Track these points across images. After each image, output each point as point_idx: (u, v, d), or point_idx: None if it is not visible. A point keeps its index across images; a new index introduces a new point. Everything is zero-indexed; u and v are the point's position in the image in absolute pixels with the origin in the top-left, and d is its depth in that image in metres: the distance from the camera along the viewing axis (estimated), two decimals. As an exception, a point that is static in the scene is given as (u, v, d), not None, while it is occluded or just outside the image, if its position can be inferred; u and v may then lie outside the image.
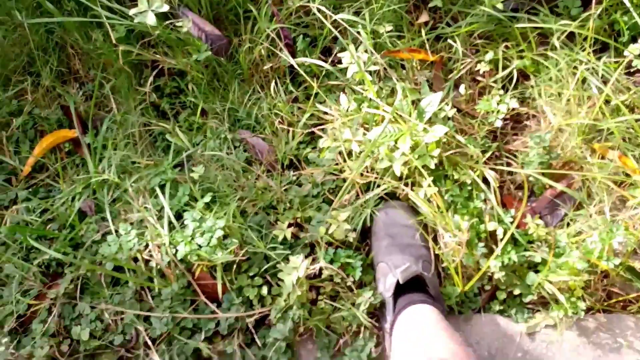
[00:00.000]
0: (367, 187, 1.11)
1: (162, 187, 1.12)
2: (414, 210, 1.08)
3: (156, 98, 1.26)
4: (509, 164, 1.13)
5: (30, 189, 1.19)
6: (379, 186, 1.08)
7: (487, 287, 1.04)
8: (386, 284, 0.99)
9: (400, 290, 0.98)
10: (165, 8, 1.14)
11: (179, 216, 1.09)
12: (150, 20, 1.13)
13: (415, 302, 0.94)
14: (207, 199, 1.05)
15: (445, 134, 1.07)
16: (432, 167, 1.02)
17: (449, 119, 1.16)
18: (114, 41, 1.17)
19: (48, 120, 1.27)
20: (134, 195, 1.11)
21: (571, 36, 1.20)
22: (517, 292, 1.00)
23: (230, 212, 1.04)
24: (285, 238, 1.05)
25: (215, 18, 1.32)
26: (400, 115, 1.05)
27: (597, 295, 1.01)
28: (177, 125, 1.23)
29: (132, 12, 1.15)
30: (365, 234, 1.10)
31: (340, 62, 1.19)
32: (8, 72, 1.29)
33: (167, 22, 1.21)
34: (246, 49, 1.25)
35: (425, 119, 1.03)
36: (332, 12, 1.25)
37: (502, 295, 1.01)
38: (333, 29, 1.16)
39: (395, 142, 1.04)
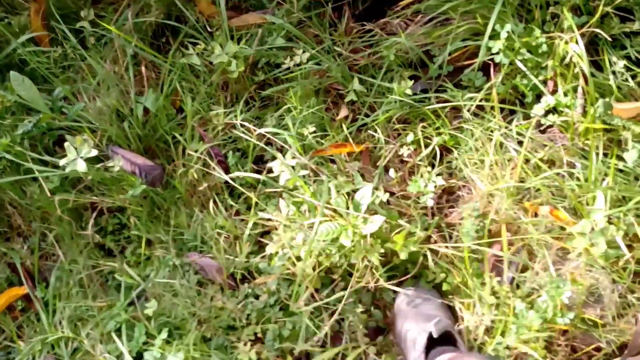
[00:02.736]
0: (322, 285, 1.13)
1: (118, 329, 1.10)
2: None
3: (100, 238, 1.26)
4: (451, 237, 1.18)
5: (-14, 357, 1.17)
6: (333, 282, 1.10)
7: None
8: (416, 346, 1.00)
9: (432, 348, 0.99)
10: (94, 153, 1.17)
11: (140, 356, 1.08)
12: (81, 167, 1.16)
13: (448, 352, 0.96)
14: (164, 335, 1.05)
15: (386, 220, 1.11)
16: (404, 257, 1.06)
17: (386, 203, 1.20)
18: (46, 192, 1.19)
19: (-4, 280, 1.26)
20: (92, 344, 1.10)
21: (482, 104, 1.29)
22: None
23: (190, 343, 1.03)
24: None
25: (146, 149, 1.36)
26: (337, 211, 1.09)
27: (561, 352, 1.03)
28: (125, 261, 1.23)
29: (62, 162, 1.18)
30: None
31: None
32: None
33: (99, 164, 1.24)
34: (181, 173, 1.28)
35: (362, 210, 1.07)
36: (256, 123, 1.31)
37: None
38: (259, 143, 1.22)
39: (337, 238, 1.08)
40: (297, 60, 1.39)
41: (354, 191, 1.15)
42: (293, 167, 1.15)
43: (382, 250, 1.07)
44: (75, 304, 1.17)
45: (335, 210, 1.09)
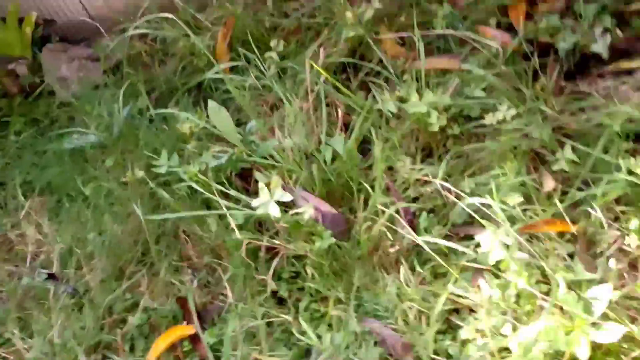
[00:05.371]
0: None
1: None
2: None
3: (274, 285, 1.20)
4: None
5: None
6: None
7: None
8: None
9: None
10: (288, 198, 1.11)
11: None
12: (274, 212, 1.10)
13: None
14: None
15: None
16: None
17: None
18: (236, 231, 1.14)
19: (161, 312, 1.22)
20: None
21: None
22: None
23: None
24: None
25: (327, 193, 1.29)
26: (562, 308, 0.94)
27: None
28: (298, 315, 1.15)
29: (254, 203, 1.12)
30: None
31: (469, 237, 1.12)
32: (122, 264, 1.27)
33: (285, 207, 1.17)
34: (366, 228, 1.19)
35: (595, 314, 0.91)
36: (454, 185, 1.19)
37: None
38: (469, 210, 1.10)
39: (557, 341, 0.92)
40: (499, 116, 1.26)
41: (573, 283, 1.00)
42: (507, 245, 1.02)
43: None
44: (244, 353, 1.10)
45: (560, 308, 0.94)
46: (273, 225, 1.24)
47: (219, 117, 1.25)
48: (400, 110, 1.32)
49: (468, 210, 1.11)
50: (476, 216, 1.10)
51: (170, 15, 1.58)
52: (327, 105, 1.40)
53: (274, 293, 1.21)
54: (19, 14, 1.87)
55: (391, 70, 1.44)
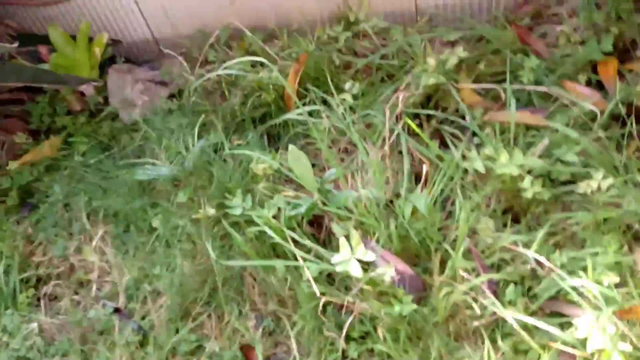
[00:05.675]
0: None
1: None
2: None
3: (344, 343, 1.14)
4: None
5: None
6: None
7: None
8: None
9: None
10: (372, 258, 1.06)
11: None
12: (355, 271, 1.05)
13: None
14: None
15: None
16: None
17: None
18: (313, 286, 1.09)
19: (225, 357, 1.17)
20: None
21: None
22: None
23: None
24: None
25: (402, 249, 1.23)
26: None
27: None
28: (370, 381, 1.10)
29: (334, 259, 1.08)
30: None
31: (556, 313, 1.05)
32: (188, 304, 1.23)
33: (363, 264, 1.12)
34: (445, 294, 1.13)
35: None
36: (551, 261, 1.11)
37: None
38: (567, 288, 1.02)
39: None
40: (594, 186, 1.19)
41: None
42: (610, 334, 0.94)
43: None
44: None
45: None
46: (344, 279, 1.18)
47: (299, 163, 1.21)
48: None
49: (566, 287, 1.04)
50: (572, 292, 1.03)
51: (259, 59, 1.53)
52: (400, 152, 1.36)
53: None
54: (89, 34, 1.87)
55: (471, 121, 1.39)
